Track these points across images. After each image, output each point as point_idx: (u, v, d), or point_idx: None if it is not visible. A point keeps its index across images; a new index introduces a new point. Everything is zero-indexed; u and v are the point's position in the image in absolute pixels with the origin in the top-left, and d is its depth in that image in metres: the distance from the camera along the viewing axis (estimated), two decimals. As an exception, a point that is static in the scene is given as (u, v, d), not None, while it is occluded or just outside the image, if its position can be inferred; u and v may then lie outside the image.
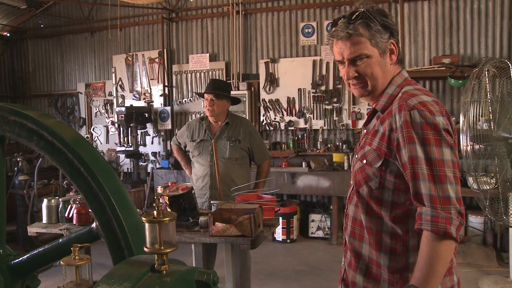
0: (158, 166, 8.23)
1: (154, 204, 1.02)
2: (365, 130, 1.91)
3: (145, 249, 1.02)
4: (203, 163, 4.19)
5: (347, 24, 1.74)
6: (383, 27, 1.74)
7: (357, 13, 1.74)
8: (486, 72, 4.39)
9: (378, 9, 1.78)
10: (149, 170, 8.19)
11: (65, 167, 1.49)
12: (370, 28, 1.73)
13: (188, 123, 4.48)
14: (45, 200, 3.98)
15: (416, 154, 1.59)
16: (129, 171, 8.33)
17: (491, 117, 4.35)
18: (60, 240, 1.66)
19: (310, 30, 7.52)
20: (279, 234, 6.95)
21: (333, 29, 1.80)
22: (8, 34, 9.48)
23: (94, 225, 1.60)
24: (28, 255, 1.66)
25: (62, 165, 1.50)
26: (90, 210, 3.82)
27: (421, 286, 1.54)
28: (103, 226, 1.46)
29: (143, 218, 1.02)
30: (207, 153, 4.16)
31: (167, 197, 3.16)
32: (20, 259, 1.66)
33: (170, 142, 5.14)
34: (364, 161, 1.77)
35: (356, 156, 1.86)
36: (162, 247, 0.99)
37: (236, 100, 4.43)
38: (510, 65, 4.25)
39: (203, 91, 4.43)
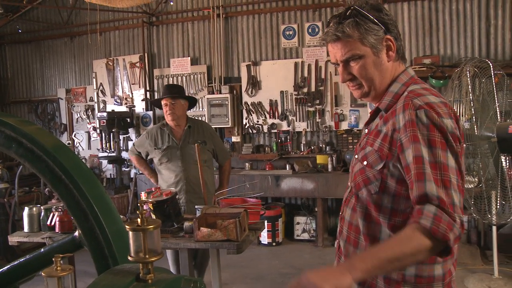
0: (141, 171, 8.14)
1: (138, 211, 0.99)
2: (366, 130, 1.80)
3: (130, 258, 0.99)
4: (174, 168, 4.21)
5: (337, 25, 1.66)
6: (377, 23, 1.65)
7: (348, 12, 1.66)
8: (467, 72, 4.44)
9: (372, 4, 1.67)
10: (132, 175, 8.11)
11: (45, 174, 1.46)
12: (359, 26, 1.63)
13: (147, 131, 4.46)
14: (27, 209, 3.90)
15: (421, 154, 1.48)
16: (112, 177, 8.24)
17: (473, 116, 4.39)
18: (42, 250, 1.62)
19: (291, 33, 7.52)
20: (264, 237, 6.93)
21: (325, 30, 1.73)
22: (-15, 40, 9.32)
23: (76, 233, 1.57)
24: (9, 266, 1.62)
25: (42, 173, 1.47)
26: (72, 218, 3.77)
27: (363, 264, 1.35)
28: (86, 234, 1.44)
29: (126, 226, 0.99)
30: (177, 159, 4.20)
31: (151, 204, 3.12)
32: (0, 270, 1.62)
33: (128, 153, 5.05)
34: (365, 163, 1.66)
35: (356, 156, 1.76)
36: (147, 256, 0.97)
37: (193, 101, 4.52)
38: (490, 64, 4.30)
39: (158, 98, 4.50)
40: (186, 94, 4.55)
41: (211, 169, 4.33)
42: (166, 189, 3.44)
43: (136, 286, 0.95)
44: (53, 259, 1.16)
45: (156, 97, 8.29)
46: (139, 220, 0.97)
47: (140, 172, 7.99)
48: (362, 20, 1.64)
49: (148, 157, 4.44)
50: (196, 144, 4.04)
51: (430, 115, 1.51)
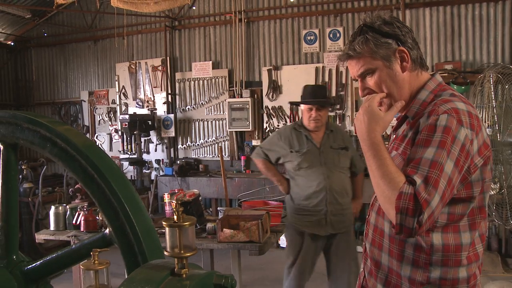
0: (161, 173, 8.24)
1: (174, 209, 1.04)
2: (394, 136, 1.86)
3: (166, 253, 1.04)
4: (316, 176, 3.73)
5: (349, 45, 1.74)
6: (387, 37, 1.69)
7: (359, 29, 1.73)
8: (490, 78, 4.42)
9: (383, 19, 1.71)
10: (152, 177, 8.21)
11: (78, 174, 1.50)
12: (369, 42, 1.68)
13: (279, 132, 4.03)
14: (53, 207, 4.02)
15: (425, 155, 1.51)
16: (133, 178, 8.35)
17: (496, 122, 4.37)
18: (74, 246, 1.67)
19: (312, 38, 7.55)
20: (283, 240, 6.94)
21: (342, 50, 1.81)
22: (12, 43, 9.54)
23: (107, 231, 1.62)
24: (42, 261, 1.67)
25: (75, 172, 1.51)
26: (97, 218, 3.85)
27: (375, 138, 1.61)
28: (116, 232, 1.47)
29: (163, 223, 1.03)
30: (319, 165, 3.74)
31: (174, 204, 3.18)
32: (33, 265, 1.67)
33: (251, 155, 4.36)
34: None
35: None
36: (182, 251, 1.01)
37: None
38: (514, 71, 4.28)
39: (300, 100, 4.02)
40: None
41: (349, 178, 3.95)
42: (189, 191, 3.49)
43: (171, 280, 0.99)
44: (91, 253, 1.21)
45: (177, 101, 8.38)
46: (175, 217, 1.02)
47: (162, 174, 8.09)
48: (372, 36, 1.69)
49: (280, 162, 3.96)
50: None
51: (450, 120, 1.54)
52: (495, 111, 4.45)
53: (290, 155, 3.80)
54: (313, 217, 3.74)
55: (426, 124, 1.57)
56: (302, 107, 3.86)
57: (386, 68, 1.71)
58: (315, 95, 3.81)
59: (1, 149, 1.56)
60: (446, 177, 1.48)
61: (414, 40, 1.76)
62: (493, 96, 4.46)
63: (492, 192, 4.49)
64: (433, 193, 1.46)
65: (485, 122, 4.62)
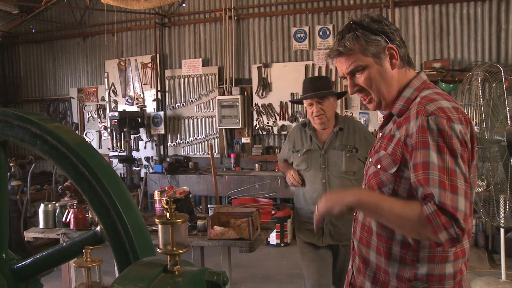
0: (151, 171, 8.22)
1: (166, 206, 1.04)
2: (380, 134, 1.86)
3: (158, 250, 1.04)
4: (314, 180, 3.38)
5: (339, 41, 1.75)
6: (376, 34, 1.71)
7: (348, 27, 1.74)
8: (478, 77, 4.46)
9: (371, 17, 1.74)
10: (142, 175, 8.19)
11: (69, 171, 1.50)
12: (359, 39, 1.70)
13: (290, 132, 3.78)
14: (42, 205, 3.99)
15: (430, 160, 1.52)
16: (122, 176, 8.30)
17: (483, 119, 4.41)
18: (64, 244, 1.66)
19: (302, 35, 7.57)
20: (273, 238, 6.97)
21: (331, 47, 1.82)
22: (-1, 39, 9.46)
23: (98, 228, 1.61)
24: (32, 259, 1.66)
25: (66, 170, 1.50)
26: (87, 215, 3.83)
27: (364, 195, 1.70)
28: (107, 230, 1.47)
29: (156, 220, 1.04)
30: (318, 167, 3.37)
31: (164, 201, 3.18)
32: (23, 263, 1.66)
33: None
34: (379, 166, 1.72)
35: (370, 160, 1.82)
36: (174, 248, 1.02)
37: (341, 94, 3.69)
38: (501, 69, 4.32)
39: (299, 97, 3.68)
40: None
41: (360, 183, 3.55)
42: (180, 188, 3.49)
43: (164, 277, 1.00)
44: (83, 250, 1.20)
45: (167, 98, 8.36)
46: (167, 214, 1.02)
47: (151, 171, 8.07)
48: (362, 33, 1.71)
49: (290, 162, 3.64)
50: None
51: (440, 121, 1.55)
52: (482, 109, 4.49)
53: (292, 155, 3.53)
54: (310, 224, 3.33)
55: (418, 126, 1.58)
56: (305, 104, 3.46)
57: (376, 65, 1.72)
58: (314, 87, 3.37)
59: (-9, 146, 1.55)
60: (460, 176, 1.50)
61: (402, 38, 1.78)
62: (480, 94, 4.51)
63: (480, 189, 4.54)
64: (455, 197, 1.47)
65: (473, 120, 4.66)
